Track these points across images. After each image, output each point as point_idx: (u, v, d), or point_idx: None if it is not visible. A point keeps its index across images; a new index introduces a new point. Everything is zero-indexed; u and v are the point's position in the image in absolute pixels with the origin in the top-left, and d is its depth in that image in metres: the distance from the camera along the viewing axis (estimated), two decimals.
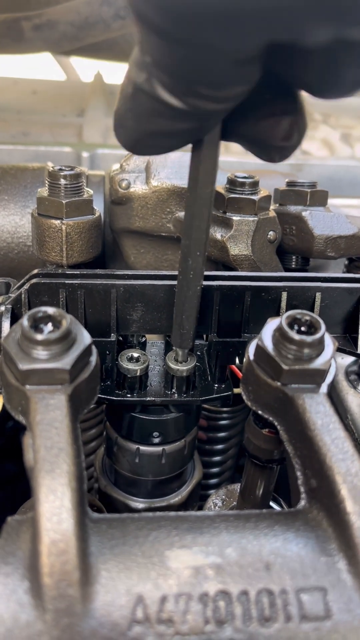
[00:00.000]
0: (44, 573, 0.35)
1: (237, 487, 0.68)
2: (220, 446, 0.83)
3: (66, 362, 0.43)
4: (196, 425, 0.66)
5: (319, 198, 0.70)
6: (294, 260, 0.72)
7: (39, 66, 1.95)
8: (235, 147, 1.12)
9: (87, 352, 0.45)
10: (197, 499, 0.73)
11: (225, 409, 0.80)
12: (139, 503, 0.67)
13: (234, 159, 0.98)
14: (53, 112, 1.20)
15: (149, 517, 0.41)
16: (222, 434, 0.82)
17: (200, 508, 0.77)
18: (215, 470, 0.85)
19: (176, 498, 0.68)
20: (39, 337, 0.43)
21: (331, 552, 0.39)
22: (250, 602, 0.37)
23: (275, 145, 0.44)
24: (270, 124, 0.42)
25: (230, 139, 0.45)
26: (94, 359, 0.46)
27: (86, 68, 1.98)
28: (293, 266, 0.73)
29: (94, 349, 0.46)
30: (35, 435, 0.40)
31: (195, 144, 0.45)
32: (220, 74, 0.34)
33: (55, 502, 0.37)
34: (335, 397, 0.77)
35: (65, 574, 0.35)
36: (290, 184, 0.71)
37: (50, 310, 0.44)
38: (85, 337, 0.45)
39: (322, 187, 0.80)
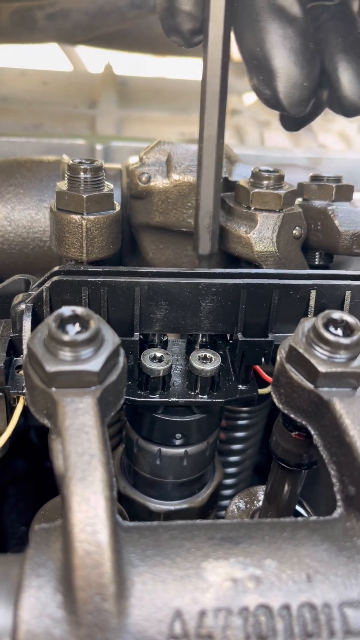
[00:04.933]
0: (77, 586, 0.34)
1: (259, 489, 0.66)
2: (239, 446, 0.81)
3: (95, 363, 0.41)
4: (219, 426, 0.65)
5: (344, 193, 0.68)
6: (317, 256, 0.71)
7: (45, 57, 1.92)
8: (252, 140, 1.10)
9: (115, 352, 0.43)
10: (217, 501, 0.72)
11: (244, 408, 0.78)
12: (159, 505, 0.66)
13: (251, 152, 0.96)
14: (64, 103, 1.17)
15: (182, 526, 0.40)
16: (241, 434, 0.80)
17: (220, 509, 0.75)
18: (233, 470, 0.83)
19: (197, 500, 0.67)
20: (67, 338, 0.41)
21: None
22: (292, 616, 0.35)
23: None
24: None
25: None
26: (121, 359, 0.45)
27: (93, 59, 1.95)
28: (316, 263, 0.71)
29: (122, 350, 0.45)
30: (65, 441, 0.39)
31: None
32: None
33: (88, 512, 0.35)
34: None
35: (100, 587, 0.34)
36: (315, 178, 0.69)
37: (79, 310, 0.43)
38: (113, 337, 0.43)
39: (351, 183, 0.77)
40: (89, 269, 0.54)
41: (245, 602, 0.35)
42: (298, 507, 0.64)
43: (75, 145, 0.94)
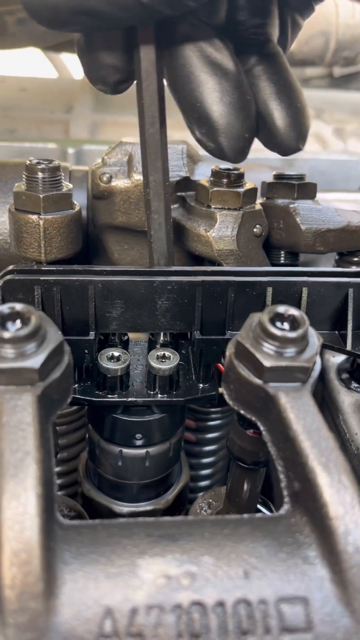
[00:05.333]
0: (4, 585, 0.33)
1: (224, 489, 0.66)
2: (210, 447, 0.80)
3: (35, 361, 0.41)
4: (182, 426, 0.64)
5: (307, 191, 0.68)
6: (282, 255, 0.70)
7: (31, 64, 1.93)
8: None
9: (58, 350, 0.43)
10: (185, 503, 0.71)
11: (214, 409, 0.78)
12: (123, 507, 0.65)
13: None
14: (41, 109, 1.18)
15: (122, 524, 0.39)
16: (211, 435, 0.80)
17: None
18: (205, 472, 0.82)
19: (162, 502, 0.66)
20: (6, 335, 0.41)
21: (313, 559, 0.37)
22: (227, 613, 0.35)
23: None
24: None
25: None
26: (66, 357, 0.44)
27: (79, 65, 1.96)
28: (281, 262, 0.70)
29: (67, 347, 0.44)
30: (0, 438, 0.38)
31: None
32: None
33: (18, 509, 0.35)
34: (327, 397, 0.75)
35: (28, 586, 0.33)
36: (278, 176, 0.69)
37: (18, 306, 0.42)
38: (56, 335, 0.43)
39: (314, 182, 0.77)
40: (43, 268, 0.54)
41: (178, 599, 0.35)
42: (263, 508, 0.63)
43: (47, 149, 0.94)
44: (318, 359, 0.47)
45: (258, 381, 0.44)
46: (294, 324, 0.45)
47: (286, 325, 0.45)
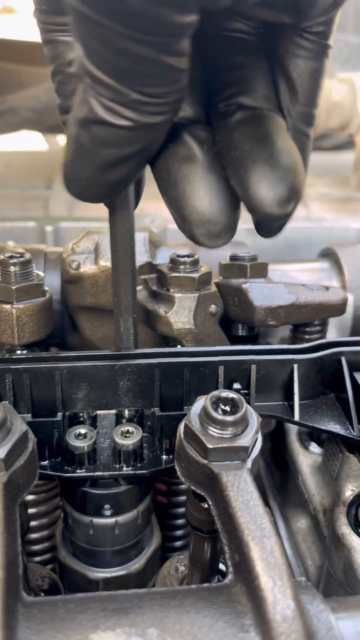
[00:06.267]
0: None
1: None
2: (182, 509, 0.84)
3: (1, 451, 0.46)
4: (149, 494, 0.69)
5: (258, 270, 0.75)
6: (240, 327, 0.76)
7: (22, 137, 2.03)
8: None
9: (22, 439, 0.48)
10: (157, 564, 0.75)
11: None
12: (97, 573, 0.69)
13: None
14: (23, 185, 1.26)
15: (79, 599, 0.44)
16: (182, 497, 0.84)
17: None
18: (179, 532, 0.86)
19: (135, 566, 0.70)
20: None
21: (248, 627, 0.41)
22: None
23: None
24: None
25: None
26: (30, 444, 0.49)
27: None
28: (239, 334, 0.76)
29: (30, 435, 0.49)
30: None
31: (110, 209, 0.55)
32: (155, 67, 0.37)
33: None
34: (288, 458, 0.80)
35: None
36: (233, 257, 0.76)
37: None
38: (19, 425, 0.48)
39: (278, 249, 0.84)
40: (13, 357, 0.60)
41: None
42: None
43: (27, 227, 1.01)
44: (259, 436, 0.52)
45: (204, 461, 0.49)
46: (233, 407, 0.50)
47: (228, 408, 0.50)
